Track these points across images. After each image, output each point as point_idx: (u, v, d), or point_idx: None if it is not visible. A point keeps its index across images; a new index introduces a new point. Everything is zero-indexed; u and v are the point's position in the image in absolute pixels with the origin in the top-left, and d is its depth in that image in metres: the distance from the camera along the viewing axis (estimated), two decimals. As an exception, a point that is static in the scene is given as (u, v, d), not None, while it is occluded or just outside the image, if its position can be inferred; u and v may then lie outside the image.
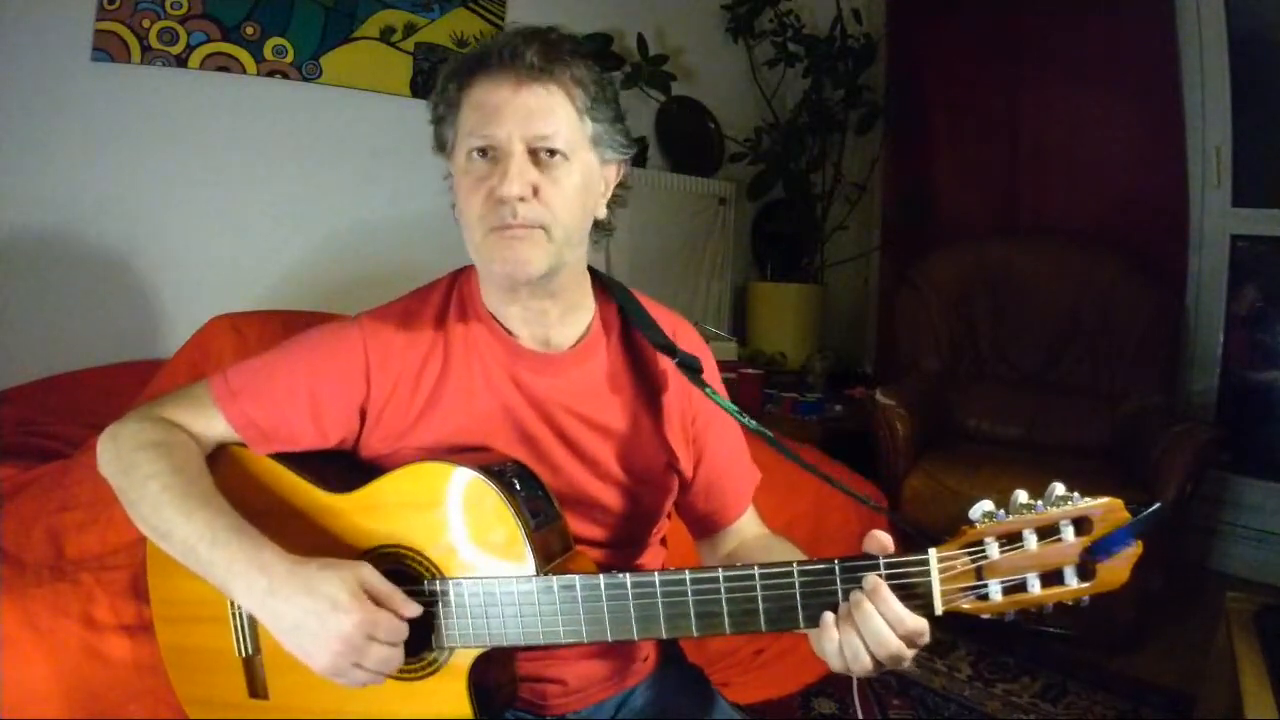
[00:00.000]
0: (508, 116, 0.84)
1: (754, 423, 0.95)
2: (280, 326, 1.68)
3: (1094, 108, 3.08)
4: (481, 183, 0.85)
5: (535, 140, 0.85)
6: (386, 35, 2.65)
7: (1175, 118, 2.92)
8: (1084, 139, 3.13)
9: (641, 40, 3.12)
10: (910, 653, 0.73)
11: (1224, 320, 2.94)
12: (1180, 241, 2.95)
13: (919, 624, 0.72)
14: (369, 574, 0.79)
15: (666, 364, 0.98)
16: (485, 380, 0.93)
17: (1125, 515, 0.71)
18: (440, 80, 0.90)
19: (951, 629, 2.17)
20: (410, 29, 2.69)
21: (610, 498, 0.96)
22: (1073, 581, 0.71)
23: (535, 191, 0.84)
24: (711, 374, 0.99)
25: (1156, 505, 0.71)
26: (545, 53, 0.85)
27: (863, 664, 0.73)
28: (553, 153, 0.85)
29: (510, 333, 0.94)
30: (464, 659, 0.83)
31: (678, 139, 3.35)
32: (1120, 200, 3.05)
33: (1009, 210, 3.37)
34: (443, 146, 0.92)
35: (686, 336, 1.00)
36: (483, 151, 0.85)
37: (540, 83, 0.85)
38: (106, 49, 2.21)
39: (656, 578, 0.78)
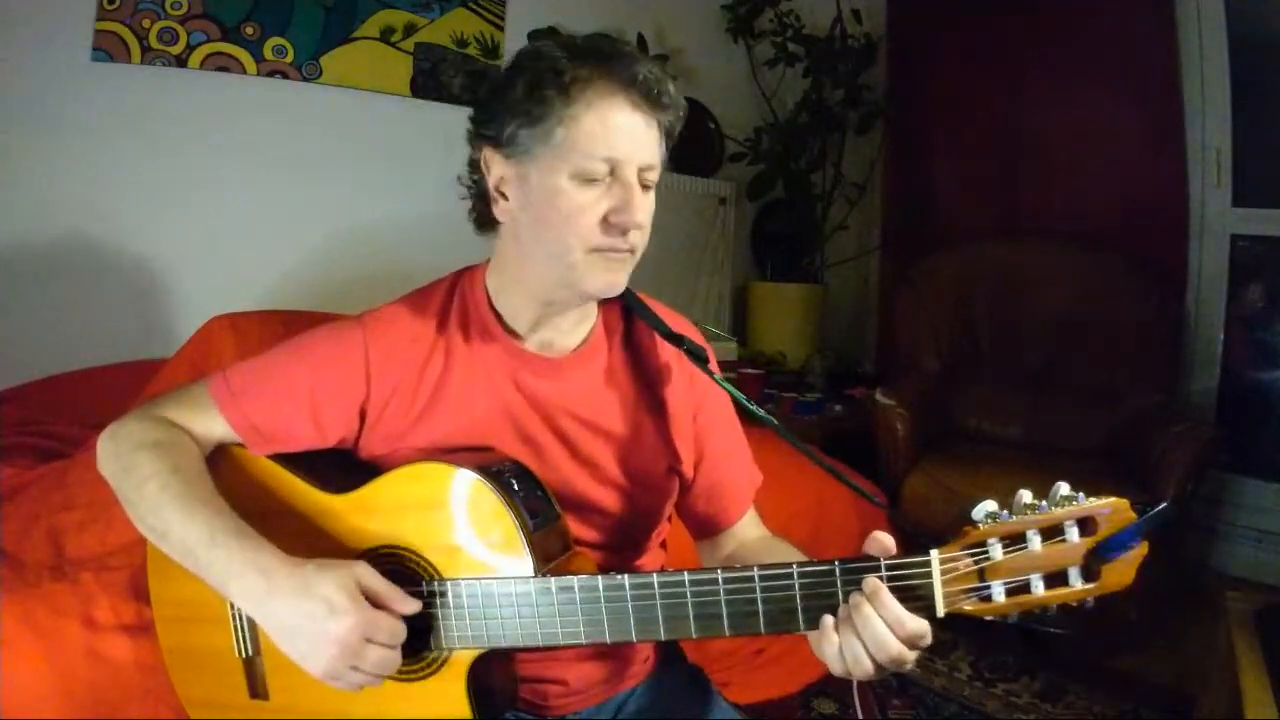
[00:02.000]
0: (636, 144, 0.85)
1: (761, 410, 0.95)
2: (280, 326, 1.68)
3: (1094, 108, 3.07)
4: (595, 204, 0.84)
5: (646, 171, 0.87)
6: (386, 35, 2.65)
7: (1175, 118, 2.92)
8: (1084, 139, 3.13)
9: (641, 40, 3.12)
10: (912, 655, 0.72)
11: (1224, 320, 2.94)
12: (1180, 242, 2.95)
13: (920, 626, 0.71)
14: (366, 574, 0.78)
15: (670, 360, 0.98)
16: (487, 383, 0.93)
17: (1131, 515, 0.70)
18: (544, 75, 0.83)
19: (952, 628, 2.17)
20: (410, 29, 2.69)
21: (609, 501, 0.96)
22: (1077, 583, 0.71)
23: None
24: (714, 369, 0.99)
25: (1163, 505, 0.70)
26: (674, 90, 0.88)
27: (863, 667, 0.72)
28: (651, 184, 0.89)
29: (513, 335, 0.94)
30: (463, 659, 0.83)
31: (678, 139, 3.34)
32: (1120, 200, 3.05)
33: (1009, 210, 3.37)
34: (506, 141, 0.86)
35: (690, 333, 1.00)
36: (600, 174, 0.84)
37: (657, 116, 0.88)
38: (106, 49, 2.21)
39: (655, 579, 0.77)
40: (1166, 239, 2.96)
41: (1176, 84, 2.90)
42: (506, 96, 0.85)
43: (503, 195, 0.89)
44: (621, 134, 0.84)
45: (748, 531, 1.06)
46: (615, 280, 0.88)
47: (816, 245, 3.62)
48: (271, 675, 0.87)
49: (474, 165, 0.92)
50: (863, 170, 3.72)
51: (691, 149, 3.40)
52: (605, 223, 0.84)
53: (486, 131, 0.88)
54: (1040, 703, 1.95)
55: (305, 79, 2.52)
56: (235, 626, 0.88)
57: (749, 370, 3.03)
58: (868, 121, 3.56)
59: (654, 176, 0.89)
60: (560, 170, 0.84)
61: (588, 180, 0.84)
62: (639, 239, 0.88)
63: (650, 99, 0.85)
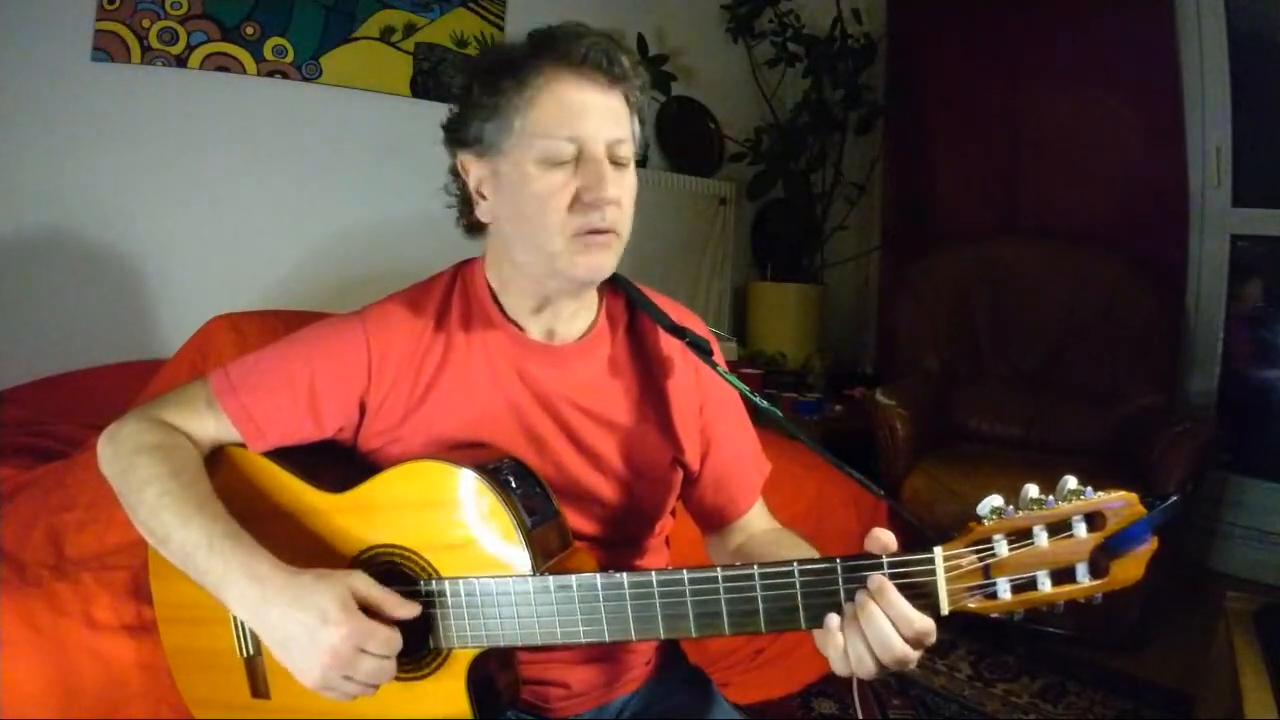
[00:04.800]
0: (596, 118, 0.84)
1: (765, 402, 0.95)
2: (281, 326, 1.68)
3: (1094, 107, 3.08)
4: (565, 187, 0.84)
5: (614, 145, 0.86)
6: (386, 35, 2.65)
7: (1175, 118, 2.92)
8: (1084, 139, 3.13)
9: (641, 40, 3.12)
10: (916, 654, 0.71)
11: (1224, 320, 2.94)
12: (1180, 242, 2.95)
13: (926, 624, 0.70)
14: (362, 583, 0.78)
15: (673, 352, 0.99)
16: (489, 373, 0.93)
17: (1141, 510, 0.68)
18: (500, 72, 0.85)
19: (951, 628, 2.17)
20: (410, 29, 2.69)
21: (610, 492, 0.96)
22: (1085, 579, 0.69)
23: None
24: (719, 360, 0.99)
25: (1174, 499, 0.68)
26: (633, 61, 0.87)
27: (866, 667, 0.71)
28: (624, 159, 0.87)
29: (516, 326, 0.94)
30: (463, 658, 0.83)
31: (678, 139, 3.35)
32: (1120, 200, 3.05)
33: (1009, 210, 3.37)
34: (478, 143, 0.88)
35: (694, 325, 1.00)
36: (568, 154, 0.84)
37: (621, 89, 0.87)
38: (106, 49, 2.21)
39: (654, 577, 0.77)
40: (1166, 238, 2.96)
41: (1176, 83, 2.90)
42: (468, 98, 0.88)
43: (482, 196, 0.91)
44: (578, 110, 0.84)
45: (756, 523, 1.05)
46: (599, 263, 0.86)
47: (816, 245, 3.62)
48: (273, 674, 0.87)
49: (454, 172, 0.94)
50: (863, 170, 3.72)
51: (691, 149, 3.40)
52: (578, 203, 0.84)
53: (458, 135, 0.90)
54: (1040, 703, 1.95)
55: (305, 79, 2.52)
56: (236, 626, 0.88)
57: (747, 370, 3.03)
58: (868, 121, 3.56)
59: (626, 152, 0.87)
60: (526, 159, 0.85)
61: (554, 163, 0.84)
62: (617, 217, 0.86)
63: (602, 70, 0.85)
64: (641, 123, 0.92)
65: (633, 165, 0.89)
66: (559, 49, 0.84)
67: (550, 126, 0.84)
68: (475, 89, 0.87)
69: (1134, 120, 2.99)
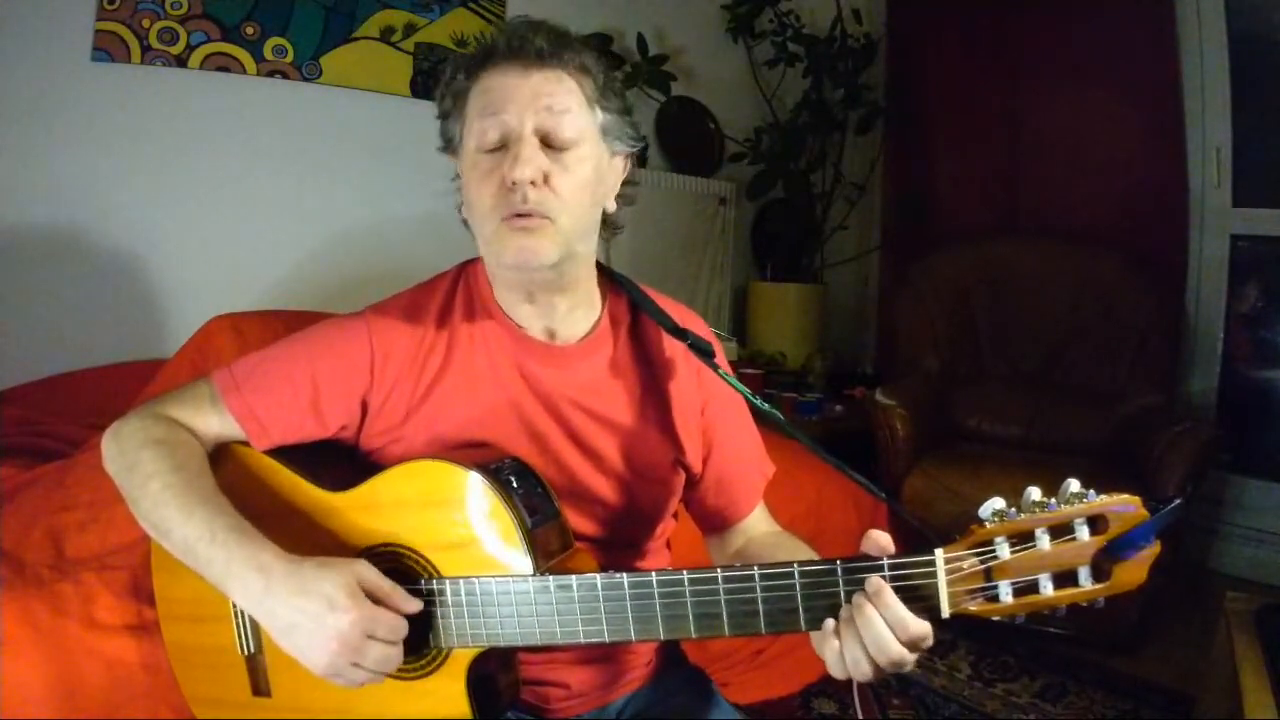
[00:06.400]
0: (517, 100, 0.85)
1: (765, 404, 0.95)
2: (281, 327, 1.67)
3: (1094, 108, 3.08)
4: (492, 173, 0.85)
5: (545, 124, 0.85)
6: (386, 35, 2.65)
7: (1175, 118, 2.92)
8: (1084, 139, 3.13)
9: (641, 40, 3.12)
10: (912, 658, 0.71)
11: (1224, 320, 2.94)
12: (1180, 241, 2.95)
13: (922, 628, 0.70)
14: (367, 571, 0.78)
15: (675, 354, 0.99)
16: (491, 373, 0.93)
17: (1144, 513, 0.68)
18: (446, 75, 0.91)
19: (952, 628, 2.17)
20: (410, 29, 2.69)
21: (611, 493, 0.96)
22: (1087, 582, 0.69)
23: (546, 179, 0.84)
24: (721, 362, 0.99)
25: (1177, 501, 0.68)
26: (553, 39, 0.87)
27: (862, 670, 0.71)
28: (563, 140, 0.86)
29: (518, 325, 0.94)
30: (463, 657, 0.83)
31: (678, 139, 3.34)
32: (1120, 200, 3.05)
33: (1009, 210, 3.37)
34: (449, 144, 0.92)
35: (697, 327, 1.00)
36: (492, 140, 0.86)
37: (550, 68, 0.86)
38: (106, 49, 2.21)
39: (654, 578, 0.77)
40: (1166, 238, 2.96)
41: (1176, 84, 2.90)
42: (439, 106, 0.93)
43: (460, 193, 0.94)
44: (498, 94, 0.86)
45: (758, 526, 1.05)
46: (526, 246, 0.84)
47: (816, 245, 3.62)
48: (274, 673, 0.88)
49: (456, 177, 0.96)
50: (863, 170, 3.72)
51: (691, 149, 3.40)
52: (501, 186, 0.85)
53: (441, 142, 0.94)
54: (1040, 703, 1.95)
55: (305, 79, 2.52)
56: (237, 624, 0.88)
57: (747, 370, 3.03)
58: (868, 121, 3.56)
59: (568, 133, 0.86)
60: (469, 149, 0.88)
61: (484, 150, 0.87)
62: (543, 199, 0.84)
63: (516, 53, 0.86)
64: (620, 112, 0.92)
65: (587, 149, 0.88)
66: (488, 47, 0.88)
67: (478, 114, 0.87)
68: (440, 93, 0.92)
69: (1134, 120, 2.99)
